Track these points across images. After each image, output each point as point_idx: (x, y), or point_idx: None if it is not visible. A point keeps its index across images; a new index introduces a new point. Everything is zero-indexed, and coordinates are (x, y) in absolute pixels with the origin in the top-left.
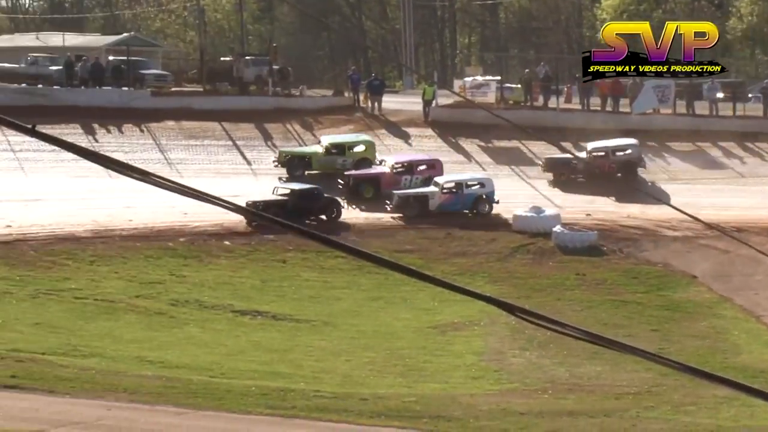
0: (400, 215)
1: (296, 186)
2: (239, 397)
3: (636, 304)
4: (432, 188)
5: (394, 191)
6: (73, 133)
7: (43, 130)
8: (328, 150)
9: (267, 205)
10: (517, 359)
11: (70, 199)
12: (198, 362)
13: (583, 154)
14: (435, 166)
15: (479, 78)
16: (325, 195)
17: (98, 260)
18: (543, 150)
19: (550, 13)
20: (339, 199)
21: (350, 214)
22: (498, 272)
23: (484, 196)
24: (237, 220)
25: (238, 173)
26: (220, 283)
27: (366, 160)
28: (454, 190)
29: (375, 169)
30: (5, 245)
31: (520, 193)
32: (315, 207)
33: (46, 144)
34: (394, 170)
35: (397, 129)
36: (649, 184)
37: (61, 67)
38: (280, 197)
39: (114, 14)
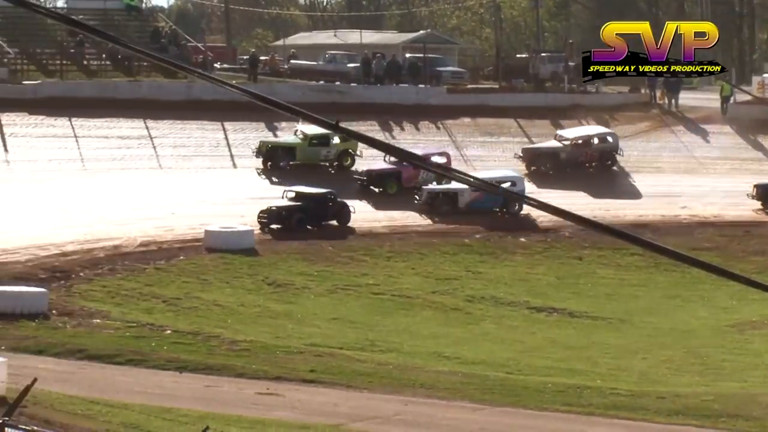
0: (424, 213)
1: (309, 189)
2: (535, 393)
3: None
4: (461, 185)
5: (423, 187)
6: (370, 130)
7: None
8: (311, 141)
9: (291, 210)
10: None
11: (369, 196)
12: (494, 358)
13: (552, 143)
14: (447, 159)
15: None
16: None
17: (395, 256)
18: None
19: None
20: (348, 203)
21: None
22: None
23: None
24: (533, 216)
25: None
26: (515, 280)
27: (347, 152)
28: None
29: (392, 164)
30: (304, 241)
31: None
32: (330, 212)
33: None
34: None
35: (694, 125)
36: None
37: (358, 65)
38: (293, 202)
39: (411, 11)
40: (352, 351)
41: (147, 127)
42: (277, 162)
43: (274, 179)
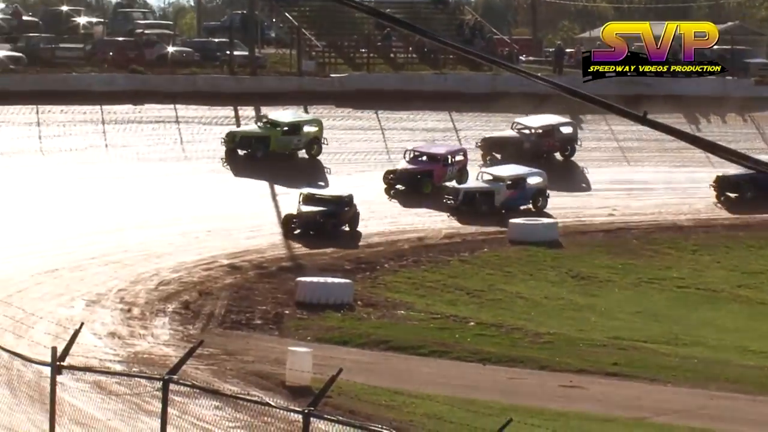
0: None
1: (329, 192)
2: None
3: None
4: (496, 183)
5: (459, 186)
6: (676, 123)
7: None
8: (283, 129)
9: (325, 214)
10: None
11: (673, 189)
12: None
13: (512, 132)
14: (464, 157)
15: None
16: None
17: (700, 249)
18: None
19: None
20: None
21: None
22: None
23: (542, 190)
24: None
25: None
26: None
27: (317, 140)
28: (513, 185)
29: (415, 163)
30: (608, 233)
31: None
32: (348, 215)
33: (650, 133)
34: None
35: None
36: None
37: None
38: (317, 208)
39: (719, 3)
40: (656, 344)
41: (452, 120)
42: (253, 152)
43: (242, 171)
